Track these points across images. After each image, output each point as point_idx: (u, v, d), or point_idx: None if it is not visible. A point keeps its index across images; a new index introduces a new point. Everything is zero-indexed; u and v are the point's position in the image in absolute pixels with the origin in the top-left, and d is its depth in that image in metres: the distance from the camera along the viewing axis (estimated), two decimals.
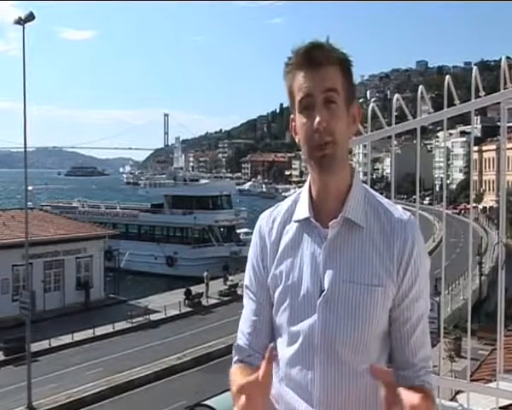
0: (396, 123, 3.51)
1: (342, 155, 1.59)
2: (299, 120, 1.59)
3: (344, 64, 1.58)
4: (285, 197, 1.87)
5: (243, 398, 1.40)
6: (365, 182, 1.89)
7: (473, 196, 5.71)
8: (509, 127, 3.78)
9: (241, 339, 1.73)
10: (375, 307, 1.58)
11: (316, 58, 1.55)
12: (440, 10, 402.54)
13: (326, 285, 1.59)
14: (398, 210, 1.65)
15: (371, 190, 1.69)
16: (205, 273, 38.80)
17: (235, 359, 1.73)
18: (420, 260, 1.61)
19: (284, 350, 1.64)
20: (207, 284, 38.16)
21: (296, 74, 1.57)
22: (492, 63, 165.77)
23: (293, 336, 1.62)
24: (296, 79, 1.57)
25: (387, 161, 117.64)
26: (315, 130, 1.54)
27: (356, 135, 3.12)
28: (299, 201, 1.70)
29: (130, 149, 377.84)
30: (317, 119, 1.53)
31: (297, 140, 1.63)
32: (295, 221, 1.68)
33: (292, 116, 1.63)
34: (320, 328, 1.58)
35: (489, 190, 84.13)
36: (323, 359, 1.58)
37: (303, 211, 1.66)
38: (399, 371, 1.61)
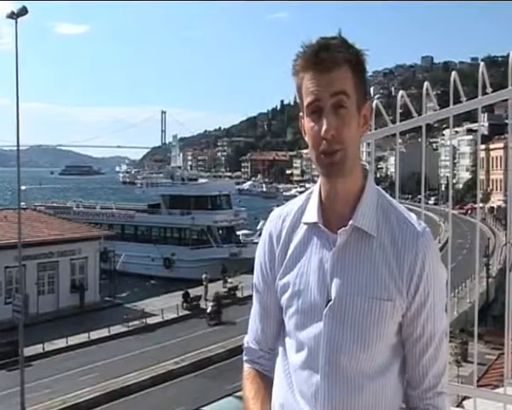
0: (400, 120, 3.50)
1: (352, 159, 1.55)
2: (307, 124, 1.56)
3: (354, 63, 1.52)
4: (286, 197, 1.60)
5: None
6: None
7: (480, 196, 5.39)
8: None
9: (251, 340, 1.79)
10: (382, 321, 1.54)
11: (322, 61, 1.49)
12: (446, 4, 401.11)
13: (333, 295, 1.56)
14: (412, 219, 1.59)
15: (385, 194, 1.64)
16: (203, 275, 38.73)
17: (245, 358, 1.80)
18: (433, 275, 1.56)
19: (293, 356, 1.63)
20: (206, 287, 38.04)
21: (304, 76, 1.53)
22: (500, 59, 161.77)
23: (299, 342, 1.61)
24: (304, 80, 1.54)
25: (392, 159, 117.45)
26: (322, 138, 1.50)
27: None
28: (309, 201, 1.65)
29: (118, 146, 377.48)
30: (324, 127, 1.49)
31: (306, 139, 1.59)
32: (304, 223, 1.64)
33: (301, 114, 1.59)
34: (325, 338, 1.56)
35: (496, 189, 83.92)
36: (328, 369, 1.56)
37: (312, 214, 1.62)
38: (408, 390, 1.63)
